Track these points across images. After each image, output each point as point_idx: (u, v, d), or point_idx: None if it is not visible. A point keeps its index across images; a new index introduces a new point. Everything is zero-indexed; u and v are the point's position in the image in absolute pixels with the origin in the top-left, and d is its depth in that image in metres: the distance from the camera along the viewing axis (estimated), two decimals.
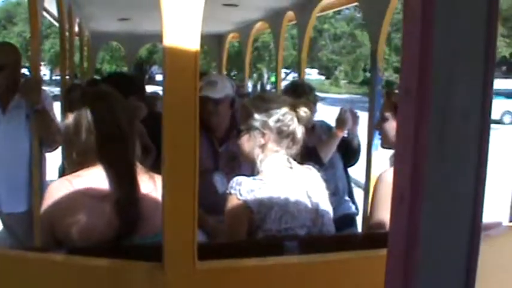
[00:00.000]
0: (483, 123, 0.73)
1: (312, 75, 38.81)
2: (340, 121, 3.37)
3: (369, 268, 1.73)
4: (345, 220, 3.31)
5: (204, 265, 1.53)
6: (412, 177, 0.72)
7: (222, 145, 3.23)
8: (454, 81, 0.71)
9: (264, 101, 2.15)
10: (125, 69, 11.85)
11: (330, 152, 3.33)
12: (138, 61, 35.89)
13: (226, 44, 8.25)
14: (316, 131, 3.52)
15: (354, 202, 3.65)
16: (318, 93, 3.64)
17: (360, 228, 3.58)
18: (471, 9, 0.70)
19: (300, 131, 2.12)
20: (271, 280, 1.62)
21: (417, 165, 0.72)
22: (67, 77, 5.13)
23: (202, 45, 1.64)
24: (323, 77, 42.23)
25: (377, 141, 3.41)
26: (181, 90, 1.45)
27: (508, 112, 25.85)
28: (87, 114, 1.95)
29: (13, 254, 1.76)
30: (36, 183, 3.16)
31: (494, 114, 22.41)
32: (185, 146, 1.46)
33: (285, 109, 2.09)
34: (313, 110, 2.15)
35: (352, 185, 3.78)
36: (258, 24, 6.51)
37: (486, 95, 0.73)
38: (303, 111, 2.11)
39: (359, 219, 3.67)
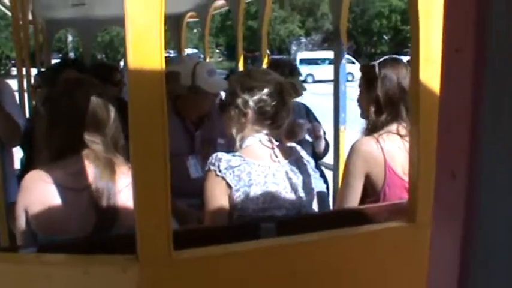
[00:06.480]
0: None
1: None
2: (290, 132, 2.97)
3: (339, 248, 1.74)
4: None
5: (180, 255, 1.49)
6: (466, 150, 0.63)
7: (197, 129, 3.18)
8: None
9: (249, 78, 2.07)
10: None
11: None
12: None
13: (184, 24, 8.07)
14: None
15: (325, 181, 3.62)
16: None
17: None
18: None
19: (284, 112, 2.05)
20: (251, 266, 1.59)
21: (474, 134, 0.62)
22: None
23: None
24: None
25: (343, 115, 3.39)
26: (147, 76, 1.39)
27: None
28: (63, 104, 1.88)
29: None
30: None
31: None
32: (154, 134, 1.40)
33: (269, 89, 2.02)
34: (299, 92, 2.08)
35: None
36: (218, 3, 6.38)
37: None
38: (289, 92, 2.05)
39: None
